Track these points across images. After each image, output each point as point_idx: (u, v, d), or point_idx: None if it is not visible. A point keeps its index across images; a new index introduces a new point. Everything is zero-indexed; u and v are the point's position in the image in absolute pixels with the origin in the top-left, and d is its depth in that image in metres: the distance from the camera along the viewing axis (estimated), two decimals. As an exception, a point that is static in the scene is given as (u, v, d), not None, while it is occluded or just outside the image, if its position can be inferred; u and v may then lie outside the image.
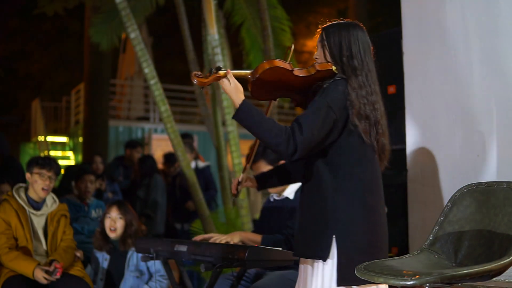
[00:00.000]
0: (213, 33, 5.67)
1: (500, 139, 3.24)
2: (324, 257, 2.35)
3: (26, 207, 4.08)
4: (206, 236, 3.49)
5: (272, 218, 3.60)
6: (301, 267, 2.54)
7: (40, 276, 3.87)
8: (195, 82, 2.38)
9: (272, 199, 3.71)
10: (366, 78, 2.43)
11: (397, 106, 4.18)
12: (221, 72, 2.38)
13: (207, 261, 3.03)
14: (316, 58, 2.50)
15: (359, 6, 12.36)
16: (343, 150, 2.39)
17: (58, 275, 3.91)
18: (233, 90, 2.37)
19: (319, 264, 2.40)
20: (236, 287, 3.25)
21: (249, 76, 2.41)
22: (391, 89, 4.52)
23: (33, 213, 4.11)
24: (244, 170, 2.89)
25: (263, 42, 6.14)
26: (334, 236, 2.35)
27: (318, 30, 2.55)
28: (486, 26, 3.33)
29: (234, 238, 3.39)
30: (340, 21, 2.54)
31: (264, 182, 2.97)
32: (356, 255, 2.34)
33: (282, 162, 3.47)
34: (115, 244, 4.24)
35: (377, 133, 2.42)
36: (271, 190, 3.63)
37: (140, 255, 4.00)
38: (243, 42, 6.97)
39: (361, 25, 2.55)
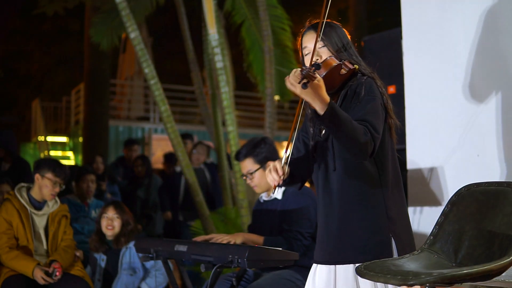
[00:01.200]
0: (213, 33, 5.67)
1: (500, 139, 3.24)
2: (391, 256, 2.31)
3: (28, 207, 4.09)
4: (207, 236, 3.49)
5: (264, 221, 3.60)
6: (341, 272, 2.35)
7: (39, 276, 3.88)
8: (304, 74, 2.08)
9: (262, 200, 3.70)
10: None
11: (397, 106, 4.18)
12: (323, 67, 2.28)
13: (207, 261, 3.03)
14: (317, 58, 2.39)
15: (359, 6, 12.36)
16: (386, 147, 2.38)
17: (58, 275, 3.91)
18: (322, 89, 2.12)
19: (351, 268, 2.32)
20: (236, 287, 3.25)
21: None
22: (391, 89, 4.53)
23: (34, 213, 4.11)
24: (286, 158, 2.38)
25: (263, 42, 6.14)
26: (391, 235, 2.33)
27: (302, 30, 2.50)
28: (486, 26, 3.33)
29: (237, 239, 3.37)
30: (327, 21, 2.45)
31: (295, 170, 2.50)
32: (409, 250, 2.35)
33: (270, 162, 3.37)
34: (110, 244, 4.27)
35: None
36: (258, 190, 3.63)
37: (133, 252, 4.03)
38: (243, 42, 6.97)
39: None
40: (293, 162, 2.42)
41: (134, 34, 5.78)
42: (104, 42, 7.25)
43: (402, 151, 3.89)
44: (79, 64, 14.57)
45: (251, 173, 3.55)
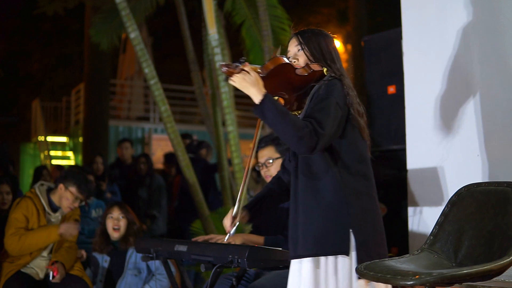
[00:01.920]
0: (213, 33, 5.67)
1: (500, 139, 3.24)
2: (347, 252, 2.36)
3: (46, 208, 4.12)
4: (207, 237, 3.48)
5: (269, 218, 3.58)
6: (306, 267, 2.44)
7: (64, 231, 3.99)
8: (224, 71, 2.35)
9: None
10: (349, 81, 2.53)
11: (397, 106, 4.18)
12: (247, 66, 2.38)
13: (207, 261, 3.03)
14: (295, 61, 2.55)
15: (359, 6, 12.36)
16: (348, 146, 2.44)
17: (56, 275, 3.93)
18: (255, 82, 2.34)
19: (336, 259, 2.39)
20: (236, 287, 3.25)
21: (259, 71, 2.41)
22: (391, 89, 4.53)
23: (50, 215, 4.14)
24: (238, 200, 2.65)
25: (263, 42, 6.14)
26: (351, 230, 2.37)
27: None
28: (486, 26, 3.33)
29: (236, 240, 3.34)
30: (313, 28, 2.63)
31: (258, 210, 2.79)
32: (372, 247, 2.39)
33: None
34: (116, 245, 4.25)
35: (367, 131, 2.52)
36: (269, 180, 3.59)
37: (140, 257, 4.02)
38: (243, 42, 6.96)
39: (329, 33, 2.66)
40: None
41: (134, 34, 5.78)
42: (104, 42, 7.25)
43: (402, 151, 3.89)
44: (79, 64, 14.58)
45: (271, 161, 3.48)
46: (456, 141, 3.45)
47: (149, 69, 5.78)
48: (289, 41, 2.64)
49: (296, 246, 2.46)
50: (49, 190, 4.22)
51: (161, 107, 5.81)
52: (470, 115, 3.38)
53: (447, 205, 2.52)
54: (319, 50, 2.54)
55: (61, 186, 4.16)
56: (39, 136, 13.84)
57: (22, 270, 4.04)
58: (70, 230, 4.04)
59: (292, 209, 2.50)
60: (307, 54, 2.54)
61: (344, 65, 2.64)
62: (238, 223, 2.66)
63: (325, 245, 2.38)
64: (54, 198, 4.19)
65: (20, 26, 16.18)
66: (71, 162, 13.35)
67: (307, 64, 2.51)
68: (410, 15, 3.81)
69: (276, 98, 2.50)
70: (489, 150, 3.27)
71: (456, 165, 3.45)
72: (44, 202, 4.13)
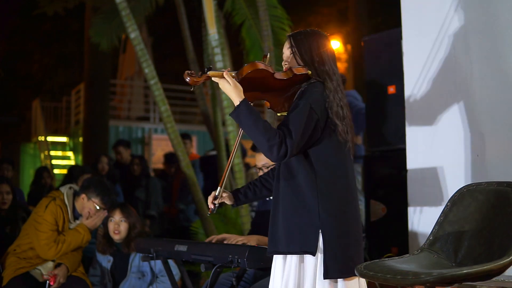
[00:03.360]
0: (213, 33, 5.67)
1: (500, 139, 3.24)
2: (313, 252, 2.42)
3: (69, 215, 4.16)
4: (219, 237, 3.47)
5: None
6: (279, 263, 2.55)
7: (92, 226, 4.13)
8: (187, 80, 2.44)
9: (268, 198, 3.66)
10: (337, 83, 2.56)
11: (397, 106, 4.18)
12: (211, 73, 2.49)
13: (207, 261, 3.03)
14: (286, 64, 2.63)
15: (359, 6, 12.35)
16: (325, 149, 2.50)
17: (52, 284, 3.94)
18: (233, 89, 2.46)
19: (304, 258, 2.46)
20: (236, 287, 3.25)
21: (233, 76, 2.51)
22: (391, 89, 4.53)
23: (71, 223, 4.18)
24: (221, 183, 2.77)
25: (263, 42, 6.14)
26: (320, 231, 2.42)
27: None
28: (486, 26, 3.33)
29: (251, 241, 3.31)
30: (307, 30, 2.67)
31: (242, 196, 2.90)
32: (340, 249, 2.42)
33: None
34: (119, 247, 4.24)
35: (349, 134, 2.55)
36: None
37: (140, 257, 4.02)
38: (243, 42, 6.96)
39: (326, 33, 2.69)
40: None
41: (134, 34, 5.78)
42: (104, 42, 7.25)
43: (402, 151, 3.89)
44: (79, 64, 14.57)
45: (268, 167, 3.49)
46: (456, 141, 3.45)
47: (149, 69, 5.78)
48: (284, 43, 2.71)
49: (275, 242, 2.52)
50: (75, 197, 4.22)
51: (161, 107, 5.81)
52: (470, 115, 3.38)
53: (447, 205, 2.52)
54: (309, 53, 2.59)
55: (83, 196, 4.15)
56: (39, 136, 13.84)
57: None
58: (96, 222, 4.15)
59: (273, 207, 2.57)
60: (297, 57, 2.60)
61: (344, 65, 2.64)
62: (218, 203, 2.77)
63: (295, 244, 2.45)
64: (77, 206, 4.20)
65: (20, 26, 16.18)
66: (71, 162, 13.35)
67: (290, 68, 2.57)
68: (410, 15, 3.81)
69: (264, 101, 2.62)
70: (489, 150, 3.27)
71: (456, 165, 3.45)
72: (69, 209, 4.15)
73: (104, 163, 7.17)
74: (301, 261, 2.47)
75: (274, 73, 2.54)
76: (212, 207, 2.76)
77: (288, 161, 2.50)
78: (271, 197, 3.59)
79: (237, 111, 2.44)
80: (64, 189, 4.22)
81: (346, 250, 2.42)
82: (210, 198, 2.78)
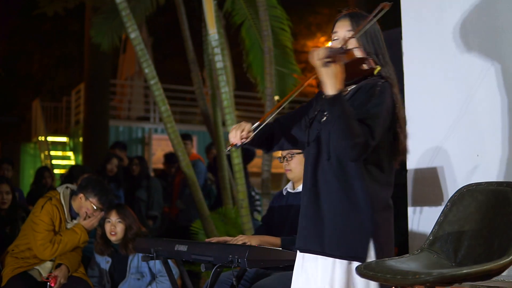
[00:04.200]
0: (213, 33, 5.67)
1: (500, 139, 3.24)
2: (365, 259, 2.28)
3: (66, 216, 4.15)
4: (221, 238, 3.46)
5: (285, 214, 3.50)
6: (317, 264, 2.35)
7: (89, 227, 4.14)
8: (329, 54, 2.15)
9: (285, 193, 3.61)
10: (397, 87, 2.39)
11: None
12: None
13: (207, 261, 3.03)
14: (344, 46, 2.35)
15: (359, 6, 12.36)
16: (383, 154, 2.35)
17: (52, 285, 3.95)
18: (338, 74, 2.19)
19: (352, 264, 2.31)
20: (236, 287, 3.25)
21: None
22: (391, 89, 4.52)
23: (68, 223, 4.18)
24: (262, 119, 2.41)
25: (263, 42, 6.14)
26: (371, 238, 2.30)
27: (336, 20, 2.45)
28: (486, 26, 3.33)
29: (252, 241, 3.27)
30: (363, 13, 2.43)
31: (257, 138, 2.49)
32: (383, 255, 2.32)
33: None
34: (116, 248, 4.24)
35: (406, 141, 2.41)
36: (290, 175, 3.52)
37: (141, 257, 4.01)
38: (243, 42, 6.96)
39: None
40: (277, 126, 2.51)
41: (134, 34, 5.78)
42: (104, 42, 7.26)
43: (402, 151, 3.89)
44: (79, 64, 14.57)
45: (292, 155, 3.47)
46: (456, 141, 3.45)
47: (149, 69, 5.79)
48: (337, 21, 2.45)
49: (321, 243, 2.33)
50: (72, 196, 4.22)
51: (161, 107, 5.81)
52: (470, 115, 3.38)
53: (447, 205, 2.52)
54: (372, 45, 2.38)
55: (81, 195, 4.15)
56: (40, 136, 13.85)
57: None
58: (93, 223, 4.16)
59: (310, 202, 2.37)
60: (360, 43, 2.37)
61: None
62: (248, 140, 2.39)
63: (345, 248, 2.29)
64: (74, 205, 4.19)
65: (20, 26, 16.19)
66: (71, 162, 13.35)
67: (367, 59, 2.33)
68: (410, 15, 3.81)
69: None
70: (489, 150, 3.27)
71: (456, 165, 3.45)
72: (66, 209, 4.15)
73: (114, 165, 7.17)
74: (349, 266, 2.31)
75: (364, 63, 2.31)
76: (244, 140, 2.36)
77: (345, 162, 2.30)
78: (287, 189, 3.59)
79: (334, 100, 2.18)
80: (61, 189, 4.22)
81: (387, 257, 2.34)
82: (239, 131, 2.37)
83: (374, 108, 2.25)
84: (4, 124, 16.88)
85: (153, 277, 4.12)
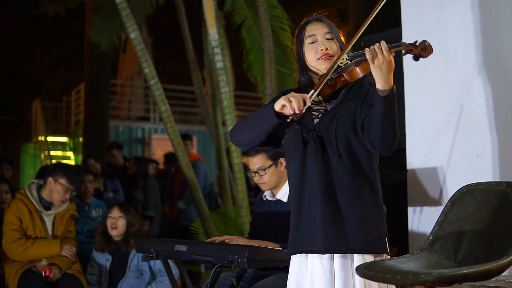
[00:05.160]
0: (213, 33, 5.67)
1: (500, 139, 3.24)
2: (388, 253, 2.35)
3: (37, 207, 4.11)
4: (221, 238, 3.46)
5: (268, 222, 3.52)
6: (342, 263, 2.31)
7: (67, 251, 4.02)
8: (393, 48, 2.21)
9: (265, 199, 3.61)
10: None
11: (397, 106, 4.18)
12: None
13: (207, 261, 3.03)
14: (327, 48, 2.41)
15: (359, 6, 12.35)
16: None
17: (48, 274, 3.95)
18: (392, 70, 2.24)
19: (374, 258, 2.31)
20: (236, 287, 3.25)
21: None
22: (391, 89, 4.52)
23: (43, 213, 4.14)
24: (316, 87, 2.32)
25: (263, 42, 6.14)
26: (385, 232, 2.37)
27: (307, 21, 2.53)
28: (486, 26, 3.33)
29: (252, 244, 3.26)
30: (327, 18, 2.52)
31: None
32: (389, 248, 2.39)
33: (282, 158, 3.44)
34: (117, 244, 4.26)
35: None
36: (265, 188, 3.54)
37: (141, 255, 4.02)
38: (243, 42, 6.96)
39: None
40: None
41: (134, 34, 5.78)
42: (104, 42, 7.25)
43: (402, 151, 3.89)
44: (79, 64, 14.57)
45: (264, 169, 3.47)
46: (456, 141, 3.45)
47: (149, 69, 5.78)
48: (307, 24, 2.52)
49: (346, 241, 2.29)
50: (40, 188, 4.21)
51: (161, 107, 5.81)
52: (470, 115, 3.38)
53: (447, 205, 2.52)
54: (341, 42, 2.48)
55: (50, 179, 4.15)
56: (40, 136, 13.84)
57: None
58: (70, 253, 4.07)
59: (325, 203, 2.30)
60: (338, 45, 2.45)
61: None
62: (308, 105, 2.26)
63: (374, 244, 2.30)
64: (45, 194, 4.17)
65: (20, 26, 16.18)
66: (71, 162, 13.35)
67: (366, 61, 2.33)
68: (410, 15, 3.81)
69: (329, 82, 2.34)
70: (489, 150, 3.27)
71: (456, 165, 3.45)
72: (34, 200, 4.12)
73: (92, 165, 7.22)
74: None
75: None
76: (302, 109, 2.21)
77: (361, 157, 2.32)
78: (267, 197, 3.60)
79: (391, 94, 2.21)
80: (27, 185, 4.23)
81: (390, 250, 2.41)
82: (297, 100, 2.20)
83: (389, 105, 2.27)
84: (4, 124, 16.88)
85: (153, 276, 4.13)
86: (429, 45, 2.35)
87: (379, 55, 2.21)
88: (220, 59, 5.68)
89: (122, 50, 14.07)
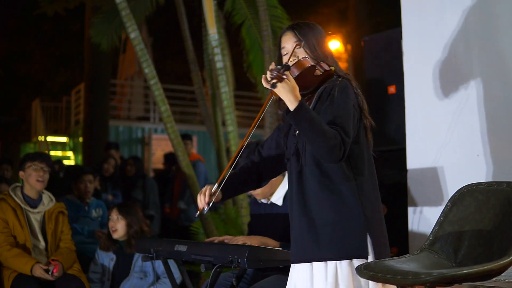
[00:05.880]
0: (213, 33, 5.67)
1: (500, 139, 3.24)
2: (367, 255, 2.31)
3: (22, 205, 4.11)
4: (221, 238, 3.46)
5: (265, 224, 3.52)
6: (319, 271, 2.35)
7: (38, 273, 3.91)
8: (273, 76, 2.20)
9: (259, 201, 3.61)
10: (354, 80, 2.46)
11: (397, 106, 4.18)
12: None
13: (207, 261, 3.03)
14: (294, 59, 2.41)
15: (359, 6, 12.35)
16: (361, 149, 2.40)
17: (55, 272, 3.93)
18: (293, 88, 2.23)
19: (354, 263, 2.32)
20: (236, 287, 3.25)
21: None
22: (391, 89, 4.54)
23: (29, 211, 4.13)
24: (219, 180, 2.50)
25: (263, 42, 6.14)
26: (367, 234, 2.32)
27: (284, 33, 2.51)
28: (486, 26, 3.33)
29: (253, 241, 3.27)
30: (307, 22, 2.50)
31: (230, 190, 2.59)
32: (384, 249, 2.36)
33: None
34: (122, 245, 4.28)
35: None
36: (259, 197, 3.55)
37: (141, 257, 4.02)
38: (243, 42, 6.96)
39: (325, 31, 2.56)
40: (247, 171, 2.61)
41: (134, 34, 5.78)
42: (104, 42, 7.25)
43: (402, 151, 3.89)
44: (79, 64, 14.57)
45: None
46: (456, 141, 3.45)
47: (149, 69, 5.78)
48: (282, 36, 2.50)
49: (316, 250, 2.34)
50: (23, 188, 4.21)
51: (161, 107, 5.81)
52: (470, 115, 3.38)
53: (447, 205, 2.52)
54: (319, 48, 2.44)
55: (21, 173, 4.20)
56: (39, 136, 13.84)
57: None
58: (43, 276, 3.95)
59: (301, 214, 2.38)
60: (308, 51, 2.42)
61: (344, 65, 2.60)
62: (212, 201, 2.47)
63: (346, 249, 2.31)
64: (27, 190, 4.18)
65: (20, 26, 16.18)
66: (71, 162, 13.35)
67: (318, 63, 2.39)
68: (410, 15, 3.81)
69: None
70: (489, 150, 3.27)
71: (456, 165, 3.45)
72: (18, 199, 4.12)
73: (111, 165, 7.17)
74: (352, 266, 2.31)
75: (316, 69, 2.38)
76: (205, 206, 2.45)
77: (322, 164, 2.34)
78: (261, 200, 3.60)
79: (296, 114, 2.22)
80: (10, 188, 4.24)
81: (386, 250, 2.38)
82: (202, 196, 2.46)
83: (341, 106, 2.31)
84: (4, 124, 16.89)
85: (157, 277, 4.14)
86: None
87: (270, 82, 2.23)
88: (220, 59, 5.68)
89: (122, 50, 14.08)
